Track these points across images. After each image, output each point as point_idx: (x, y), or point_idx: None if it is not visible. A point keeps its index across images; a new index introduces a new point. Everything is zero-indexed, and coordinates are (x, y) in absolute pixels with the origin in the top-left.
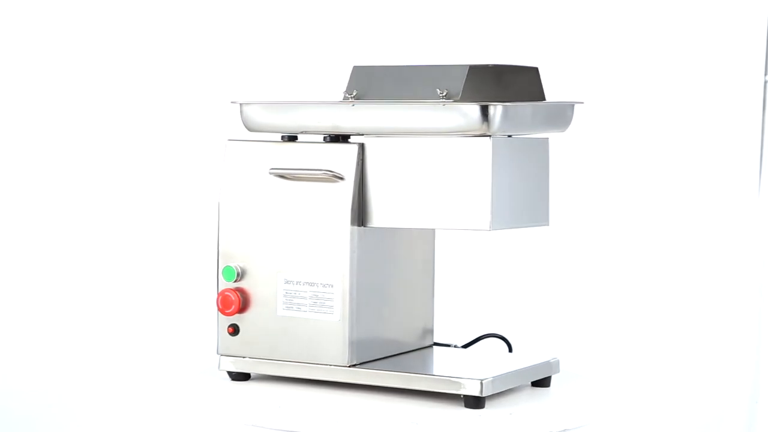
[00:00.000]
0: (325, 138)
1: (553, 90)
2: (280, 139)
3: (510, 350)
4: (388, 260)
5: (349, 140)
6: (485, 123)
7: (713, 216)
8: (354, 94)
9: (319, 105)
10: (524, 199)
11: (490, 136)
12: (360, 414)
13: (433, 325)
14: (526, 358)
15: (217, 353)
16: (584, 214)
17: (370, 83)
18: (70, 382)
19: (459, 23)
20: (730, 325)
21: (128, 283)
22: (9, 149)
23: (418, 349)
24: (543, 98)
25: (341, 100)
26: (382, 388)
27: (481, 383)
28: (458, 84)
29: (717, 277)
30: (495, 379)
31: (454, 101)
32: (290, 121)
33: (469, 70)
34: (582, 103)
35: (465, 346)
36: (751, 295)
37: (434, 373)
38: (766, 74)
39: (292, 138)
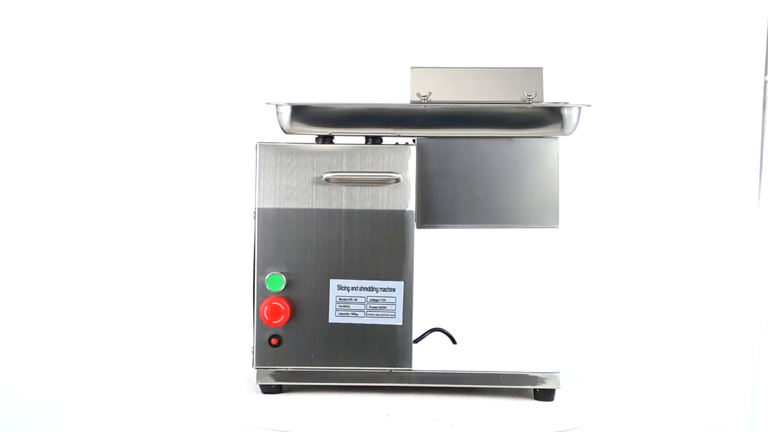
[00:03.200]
0: (367, 139)
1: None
2: (313, 141)
3: (454, 343)
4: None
5: (404, 141)
6: (562, 124)
7: (713, 217)
8: (429, 94)
9: (389, 107)
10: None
11: (557, 137)
12: (442, 416)
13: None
14: (534, 349)
15: (254, 366)
16: (582, 215)
17: (434, 84)
18: (70, 382)
19: (452, 25)
20: (730, 326)
21: (136, 286)
22: (31, 151)
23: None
24: (542, 99)
25: (411, 101)
26: (428, 388)
27: (558, 377)
28: (538, 86)
29: (717, 278)
30: (562, 372)
31: (540, 104)
32: (350, 123)
33: (542, 72)
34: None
35: (415, 341)
36: (751, 297)
37: (506, 370)
38: (766, 74)
39: (327, 139)
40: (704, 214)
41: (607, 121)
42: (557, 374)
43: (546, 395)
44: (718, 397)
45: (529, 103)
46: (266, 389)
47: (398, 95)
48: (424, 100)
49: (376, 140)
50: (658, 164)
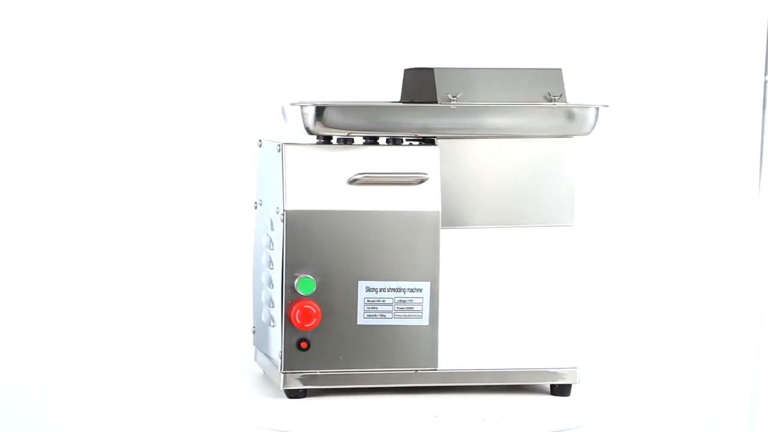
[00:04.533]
0: (387, 140)
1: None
2: (335, 142)
3: None
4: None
5: (430, 142)
6: (581, 124)
7: (712, 216)
8: (459, 95)
9: (418, 108)
10: None
11: (571, 136)
12: (468, 416)
13: None
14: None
15: (281, 370)
16: (580, 215)
17: (459, 85)
18: (70, 382)
19: (458, 26)
20: (730, 325)
21: (141, 286)
22: (36, 149)
23: None
24: (566, 100)
25: (440, 102)
26: (451, 387)
27: (576, 372)
28: (559, 87)
29: (717, 278)
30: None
31: (564, 104)
32: (378, 123)
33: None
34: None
35: None
36: (752, 296)
37: (526, 367)
38: (766, 74)
39: (348, 141)
40: (703, 214)
41: (605, 121)
42: (575, 369)
43: (563, 390)
44: (718, 397)
45: (555, 104)
46: (293, 394)
47: (390, 95)
48: (453, 100)
49: (396, 141)
50: (657, 165)
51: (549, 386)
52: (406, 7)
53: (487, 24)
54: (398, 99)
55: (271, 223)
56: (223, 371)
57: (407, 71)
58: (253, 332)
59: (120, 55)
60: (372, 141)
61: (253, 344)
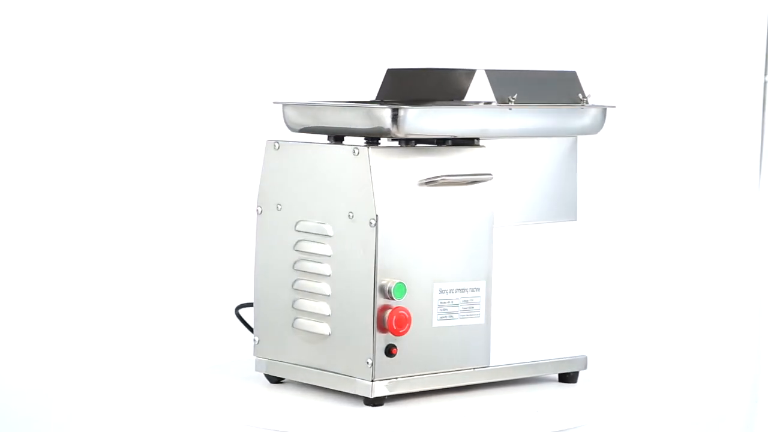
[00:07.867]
0: (436, 141)
1: None
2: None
3: None
4: None
5: (478, 143)
6: (599, 123)
7: (713, 216)
8: (516, 97)
9: (477, 109)
10: None
11: (577, 135)
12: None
13: None
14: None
15: (372, 379)
16: (580, 214)
17: (509, 87)
18: (70, 382)
19: (460, 26)
20: (730, 325)
21: (151, 287)
22: (39, 150)
23: None
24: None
25: (498, 103)
26: (498, 383)
27: (585, 359)
28: (579, 89)
29: (717, 277)
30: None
31: (593, 105)
32: (442, 125)
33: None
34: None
35: None
36: (752, 295)
37: (561, 357)
38: (766, 74)
39: (409, 142)
40: (702, 214)
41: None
42: (585, 357)
43: (571, 377)
44: (718, 397)
45: (584, 105)
46: (376, 402)
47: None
48: (510, 101)
49: (446, 142)
50: (657, 164)
51: (557, 375)
52: (392, 7)
53: (484, 24)
54: (373, 99)
55: (328, 230)
56: (234, 379)
57: (391, 71)
58: (256, 342)
59: (117, 55)
60: (445, 141)
61: (255, 354)
